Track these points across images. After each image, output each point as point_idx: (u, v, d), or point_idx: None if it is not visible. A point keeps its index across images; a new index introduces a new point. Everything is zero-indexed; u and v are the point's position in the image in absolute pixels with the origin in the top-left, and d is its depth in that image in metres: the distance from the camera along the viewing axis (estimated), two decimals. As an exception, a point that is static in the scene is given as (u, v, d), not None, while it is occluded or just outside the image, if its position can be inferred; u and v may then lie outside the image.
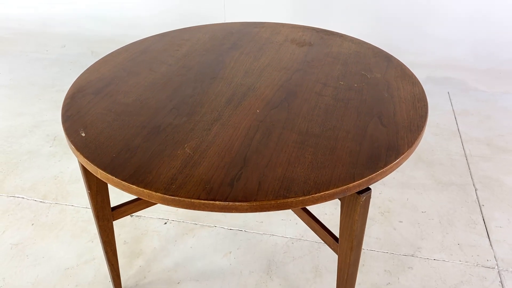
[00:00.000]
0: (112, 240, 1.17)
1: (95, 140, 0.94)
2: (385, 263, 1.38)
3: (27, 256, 1.42)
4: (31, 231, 1.51)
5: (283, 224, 1.52)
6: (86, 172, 1.04)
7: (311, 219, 1.12)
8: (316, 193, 0.80)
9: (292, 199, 0.79)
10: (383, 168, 0.86)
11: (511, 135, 1.97)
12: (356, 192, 0.89)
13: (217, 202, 0.79)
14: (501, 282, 1.31)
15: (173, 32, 1.49)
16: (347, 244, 0.97)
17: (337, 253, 1.03)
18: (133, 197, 1.50)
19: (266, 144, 0.93)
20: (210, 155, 0.89)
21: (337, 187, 0.82)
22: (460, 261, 1.38)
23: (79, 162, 1.03)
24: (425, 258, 1.39)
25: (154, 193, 0.81)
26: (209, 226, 1.52)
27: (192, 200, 0.79)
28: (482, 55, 2.55)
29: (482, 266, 1.36)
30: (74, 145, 0.92)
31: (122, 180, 0.83)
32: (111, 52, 1.33)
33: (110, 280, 1.30)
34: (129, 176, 0.84)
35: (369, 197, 0.90)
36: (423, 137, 1.96)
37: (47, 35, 3.11)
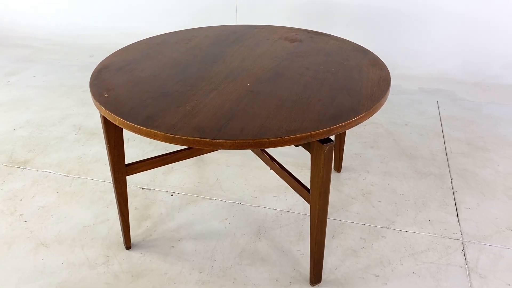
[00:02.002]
0: (124, 192, 1.39)
1: (115, 99, 1.18)
2: (361, 232, 1.56)
3: (51, 215, 1.64)
4: (55, 197, 1.74)
5: (274, 199, 1.72)
6: (106, 128, 1.27)
7: (291, 178, 1.32)
8: (286, 137, 1.02)
9: (266, 139, 1.01)
10: (342, 123, 1.07)
11: (491, 137, 2.14)
12: (320, 142, 1.09)
13: (207, 140, 1.01)
14: (463, 250, 1.47)
15: (185, 30, 1.75)
16: (316, 191, 1.17)
17: (309, 203, 1.22)
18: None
19: (252, 106, 1.15)
20: (205, 111, 1.12)
21: (303, 133, 1.03)
22: (429, 233, 1.55)
23: (101, 116, 1.26)
24: (397, 230, 1.57)
25: (159, 132, 1.03)
26: (210, 199, 1.73)
27: (188, 138, 1.02)
28: (471, 69, 2.75)
29: (448, 237, 1.53)
30: (98, 102, 1.16)
31: (134, 124, 1.06)
32: (132, 43, 1.59)
33: (121, 234, 1.52)
34: (140, 121, 1.07)
35: (332, 147, 1.10)
36: (408, 136, 2.16)
37: (77, 46, 3.45)
